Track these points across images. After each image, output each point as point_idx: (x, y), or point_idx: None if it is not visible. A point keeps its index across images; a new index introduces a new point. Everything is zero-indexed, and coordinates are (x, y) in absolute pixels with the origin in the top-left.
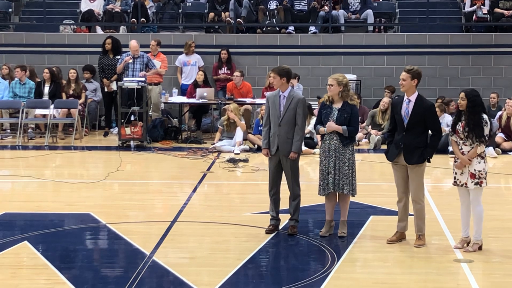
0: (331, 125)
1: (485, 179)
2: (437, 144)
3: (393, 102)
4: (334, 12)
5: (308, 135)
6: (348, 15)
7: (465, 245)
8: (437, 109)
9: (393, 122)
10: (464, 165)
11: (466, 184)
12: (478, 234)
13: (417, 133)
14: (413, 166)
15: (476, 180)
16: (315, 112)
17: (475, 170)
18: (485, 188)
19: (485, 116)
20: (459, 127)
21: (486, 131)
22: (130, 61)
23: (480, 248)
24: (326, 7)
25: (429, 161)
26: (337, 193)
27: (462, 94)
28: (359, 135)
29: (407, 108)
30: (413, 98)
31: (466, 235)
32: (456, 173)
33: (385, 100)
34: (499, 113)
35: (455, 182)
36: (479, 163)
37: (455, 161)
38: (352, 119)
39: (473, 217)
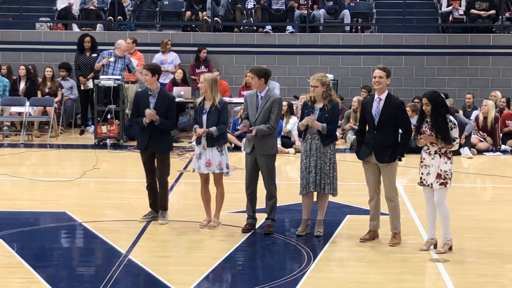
0: (312, 120)
1: (450, 179)
2: (408, 142)
3: (363, 102)
4: (315, 12)
5: (284, 134)
6: (328, 15)
7: (432, 246)
8: (408, 109)
9: (363, 122)
10: (428, 138)
11: (432, 184)
12: (447, 234)
13: (387, 132)
14: (384, 165)
15: (442, 181)
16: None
17: (441, 170)
18: (461, 188)
19: (452, 118)
20: (426, 129)
21: (455, 133)
22: (112, 59)
23: (450, 248)
24: (303, 7)
25: (400, 160)
26: (315, 192)
27: (425, 100)
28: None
29: (377, 106)
30: (383, 96)
31: (432, 236)
32: (422, 173)
33: (355, 99)
34: (475, 112)
35: (421, 182)
36: (446, 163)
37: (421, 162)
38: (331, 118)
39: (439, 219)
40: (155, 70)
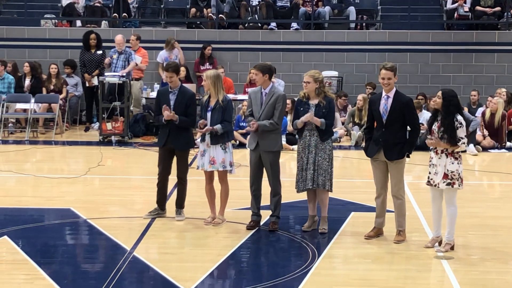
0: (312, 116)
1: (457, 180)
2: (416, 139)
3: (371, 99)
4: (320, 9)
5: (289, 131)
6: (333, 12)
7: (437, 244)
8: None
9: (370, 119)
10: (432, 143)
11: (438, 184)
12: (451, 234)
13: (396, 129)
14: (393, 162)
15: (448, 181)
16: None
17: (448, 170)
18: (466, 185)
19: (459, 117)
20: (435, 127)
21: (461, 132)
22: (115, 56)
23: (452, 248)
24: (308, 4)
25: (408, 157)
26: (316, 189)
27: (439, 93)
28: (340, 132)
29: (385, 104)
30: (391, 94)
31: (438, 234)
32: (430, 173)
33: (359, 97)
34: (480, 109)
35: (428, 182)
36: (452, 163)
37: (429, 161)
38: (328, 114)
39: (446, 217)
40: (179, 70)
